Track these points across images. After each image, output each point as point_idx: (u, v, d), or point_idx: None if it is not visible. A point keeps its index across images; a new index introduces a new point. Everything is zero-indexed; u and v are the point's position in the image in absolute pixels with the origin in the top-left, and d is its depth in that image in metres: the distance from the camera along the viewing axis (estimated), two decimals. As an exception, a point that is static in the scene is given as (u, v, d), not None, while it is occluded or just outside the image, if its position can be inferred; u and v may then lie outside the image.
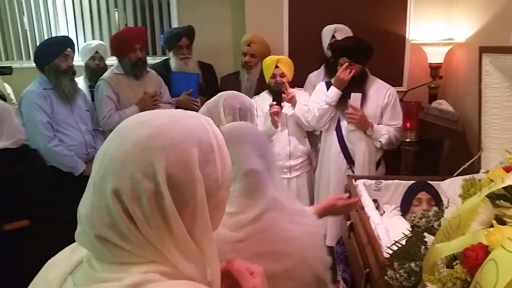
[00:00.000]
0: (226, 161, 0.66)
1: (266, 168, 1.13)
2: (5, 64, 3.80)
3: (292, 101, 2.73)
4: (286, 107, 2.74)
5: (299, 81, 3.00)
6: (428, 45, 3.08)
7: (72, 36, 3.68)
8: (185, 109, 3.11)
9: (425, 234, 1.28)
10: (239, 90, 3.19)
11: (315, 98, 2.67)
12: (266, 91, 2.87)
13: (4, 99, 2.76)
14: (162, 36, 3.77)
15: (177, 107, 3.10)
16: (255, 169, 1.10)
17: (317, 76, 3.02)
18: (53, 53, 2.54)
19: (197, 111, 3.12)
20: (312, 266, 1.13)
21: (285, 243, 1.09)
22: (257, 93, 2.96)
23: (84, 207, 0.60)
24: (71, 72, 2.63)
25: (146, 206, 0.57)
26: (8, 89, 3.32)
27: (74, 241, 0.65)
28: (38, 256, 0.83)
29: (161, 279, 0.59)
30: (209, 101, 1.85)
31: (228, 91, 1.84)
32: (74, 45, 2.71)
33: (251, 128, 1.29)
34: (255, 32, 3.20)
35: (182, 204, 0.59)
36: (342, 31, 2.92)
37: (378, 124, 2.54)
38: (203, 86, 3.26)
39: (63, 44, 2.59)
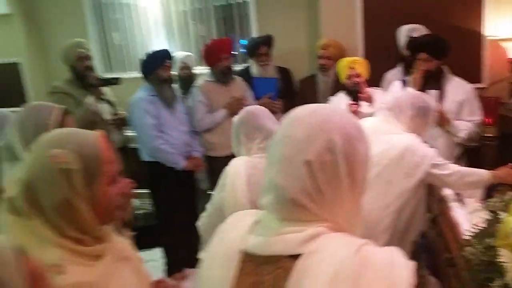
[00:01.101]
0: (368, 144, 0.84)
1: None
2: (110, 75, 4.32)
3: (369, 99, 2.88)
4: (364, 106, 2.89)
5: (375, 81, 3.14)
6: (508, 40, 3.07)
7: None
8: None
9: (500, 213, 1.40)
10: (316, 92, 3.44)
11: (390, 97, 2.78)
12: (343, 91, 3.05)
13: (112, 105, 3.19)
14: (242, 44, 4.10)
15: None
16: None
17: (393, 75, 3.13)
18: (155, 64, 2.93)
19: (277, 113, 3.42)
20: None
21: None
22: (333, 94, 3.15)
23: (276, 178, 0.78)
24: (170, 80, 3.01)
25: (329, 174, 0.75)
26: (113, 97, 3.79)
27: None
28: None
29: (331, 232, 0.76)
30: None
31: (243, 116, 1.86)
32: (172, 57, 3.09)
33: None
34: (330, 35, 3.40)
35: (351, 173, 0.77)
36: (419, 30, 3.01)
37: (456, 120, 2.61)
38: (281, 89, 3.51)
39: (163, 56, 2.97)
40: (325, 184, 0.75)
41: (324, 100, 3.16)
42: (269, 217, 0.81)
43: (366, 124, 1.78)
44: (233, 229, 0.86)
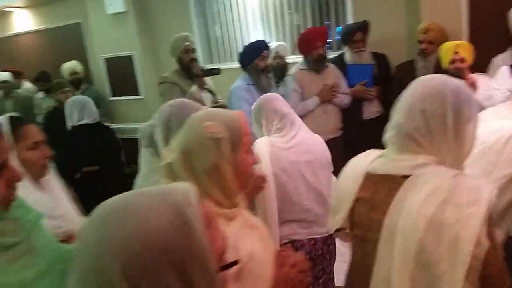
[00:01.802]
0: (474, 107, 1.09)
1: None
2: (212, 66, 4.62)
3: (473, 86, 2.71)
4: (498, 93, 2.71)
5: (480, 67, 2.94)
6: None
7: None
8: (360, 98, 3.37)
9: None
10: (414, 77, 3.29)
11: (496, 84, 2.60)
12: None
13: (213, 94, 3.42)
14: (337, 32, 4.08)
15: (353, 98, 3.39)
16: None
17: (504, 60, 2.90)
18: (253, 55, 3.09)
19: (371, 100, 3.38)
20: None
21: None
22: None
23: (398, 118, 1.09)
24: (268, 70, 3.15)
25: (439, 121, 1.03)
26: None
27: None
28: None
29: (436, 165, 1.03)
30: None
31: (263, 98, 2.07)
32: (269, 47, 3.22)
33: None
34: (431, 19, 3.24)
35: (457, 125, 1.03)
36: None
37: None
38: (377, 76, 3.45)
39: (261, 47, 3.11)
40: (435, 128, 1.03)
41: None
42: (389, 150, 1.12)
43: (494, 109, 1.97)
44: (362, 159, 1.20)
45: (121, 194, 0.61)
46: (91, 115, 3.08)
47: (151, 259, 0.53)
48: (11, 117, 1.52)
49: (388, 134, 1.11)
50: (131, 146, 3.07)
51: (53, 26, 5.88)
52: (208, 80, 3.23)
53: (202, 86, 3.12)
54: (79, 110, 3.01)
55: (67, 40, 5.75)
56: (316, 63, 3.25)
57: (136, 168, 1.70)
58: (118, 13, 4.79)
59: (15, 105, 4.55)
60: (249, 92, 3.08)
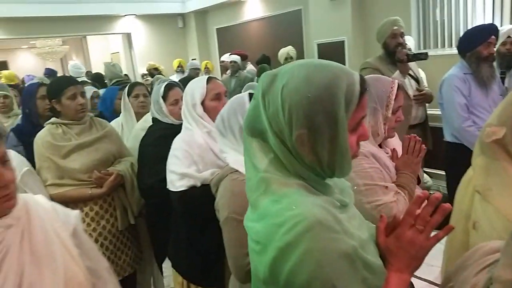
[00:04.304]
0: None
1: None
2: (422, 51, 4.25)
3: None
4: None
5: None
6: None
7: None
8: None
9: None
10: None
11: None
12: None
13: (417, 81, 3.12)
14: None
15: None
16: None
17: None
18: (476, 41, 2.66)
19: None
20: None
21: None
22: None
23: None
24: (492, 59, 2.68)
25: None
26: (422, 74, 3.69)
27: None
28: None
29: None
30: None
31: None
32: (498, 32, 2.72)
33: None
34: None
35: None
36: None
37: None
38: None
39: (487, 32, 2.65)
40: None
41: None
42: None
43: None
44: None
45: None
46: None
47: None
48: None
49: None
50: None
51: (276, 13, 6.42)
52: (414, 67, 2.97)
53: (405, 72, 2.90)
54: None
55: (287, 26, 6.20)
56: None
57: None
58: (337, -1, 4.83)
59: (236, 83, 5.20)
60: (464, 82, 2.69)
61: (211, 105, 1.79)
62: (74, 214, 1.14)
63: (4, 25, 7.05)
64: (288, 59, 5.04)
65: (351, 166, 0.83)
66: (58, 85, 2.07)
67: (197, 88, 1.81)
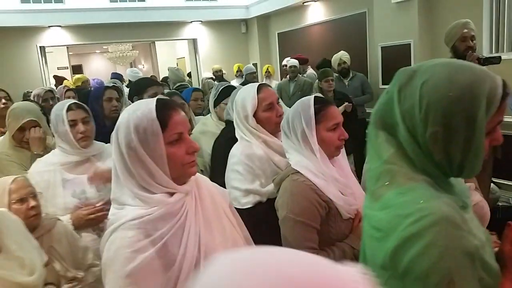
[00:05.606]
0: None
1: None
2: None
3: None
4: None
5: None
6: None
7: None
8: None
9: None
10: None
11: None
12: None
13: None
14: None
15: None
16: None
17: None
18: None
19: None
20: None
21: None
22: None
23: None
24: None
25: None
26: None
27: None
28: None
29: None
30: None
31: None
32: None
33: None
34: None
35: None
36: None
37: None
38: None
39: None
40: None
41: None
42: None
43: None
44: None
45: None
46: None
47: None
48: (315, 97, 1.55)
49: None
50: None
51: (340, 16, 6.35)
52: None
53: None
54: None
55: (351, 30, 6.10)
56: None
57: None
58: (403, 1, 4.70)
59: (295, 88, 5.20)
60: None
61: (264, 116, 1.73)
62: (227, 191, 1.31)
63: (79, 31, 7.62)
64: (341, 64, 4.94)
65: (480, 168, 0.84)
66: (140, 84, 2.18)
67: (248, 98, 1.73)
